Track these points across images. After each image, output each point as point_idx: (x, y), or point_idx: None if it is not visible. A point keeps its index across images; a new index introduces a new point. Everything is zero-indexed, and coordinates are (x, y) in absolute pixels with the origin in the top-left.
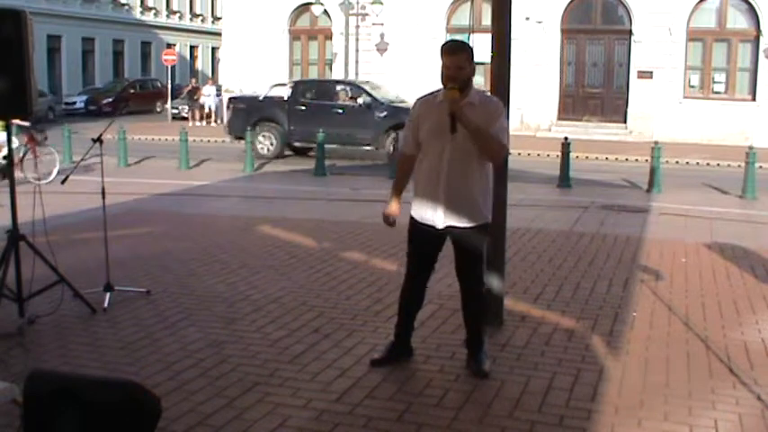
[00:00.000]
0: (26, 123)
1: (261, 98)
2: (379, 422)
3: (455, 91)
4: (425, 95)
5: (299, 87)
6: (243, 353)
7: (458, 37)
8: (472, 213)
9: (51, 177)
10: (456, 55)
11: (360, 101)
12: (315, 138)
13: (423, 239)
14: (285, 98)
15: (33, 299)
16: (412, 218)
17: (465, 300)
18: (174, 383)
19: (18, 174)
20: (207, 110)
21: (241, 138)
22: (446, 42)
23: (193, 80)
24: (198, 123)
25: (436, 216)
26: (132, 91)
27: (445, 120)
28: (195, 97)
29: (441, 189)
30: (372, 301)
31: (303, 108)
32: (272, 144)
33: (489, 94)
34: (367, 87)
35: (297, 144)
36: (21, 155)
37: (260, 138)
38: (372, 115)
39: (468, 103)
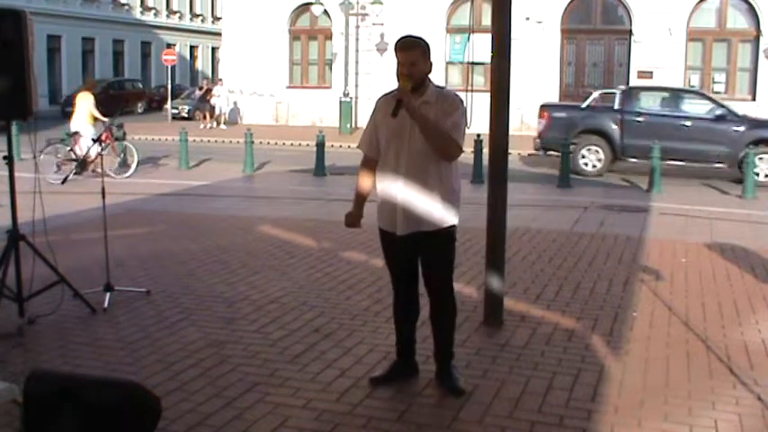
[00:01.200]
0: (105, 119)
1: (583, 106)
2: (379, 422)
3: (407, 83)
4: (386, 94)
5: (632, 94)
6: (243, 353)
7: (458, 37)
8: (433, 217)
9: (130, 172)
10: (409, 51)
11: (717, 112)
12: (652, 153)
13: (393, 247)
14: (615, 107)
15: (33, 299)
16: (379, 227)
17: (432, 310)
18: (174, 383)
19: (98, 168)
20: (218, 111)
21: (555, 151)
22: (400, 39)
23: (205, 81)
24: (205, 126)
25: (396, 221)
26: (111, 92)
27: (403, 120)
28: (207, 98)
29: (399, 192)
30: (372, 301)
31: (639, 119)
32: (599, 159)
33: (447, 90)
34: (716, 97)
35: (631, 160)
36: (100, 150)
37: (583, 152)
38: (727, 129)
39: (423, 101)
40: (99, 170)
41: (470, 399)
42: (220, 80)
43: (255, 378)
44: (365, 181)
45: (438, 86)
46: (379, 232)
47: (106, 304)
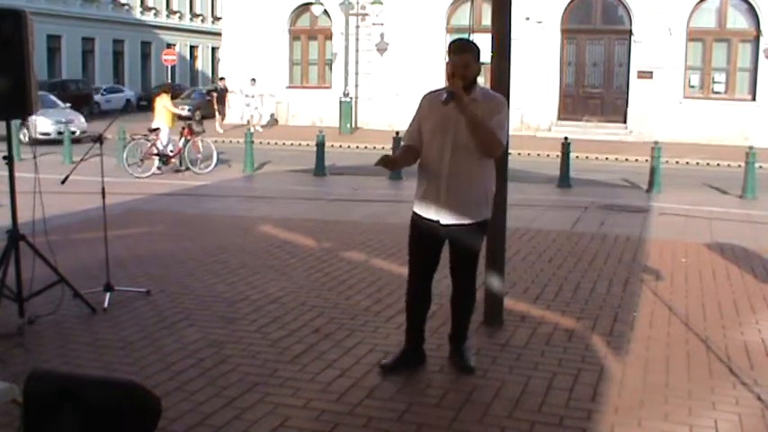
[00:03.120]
0: (185, 113)
1: None
2: (379, 422)
3: (459, 83)
4: (432, 92)
5: None
6: (243, 353)
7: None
8: (472, 211)
9: (211, 167)
10: (464, 54)
11: None
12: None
13: (424, 235)
14: None
15: (33, 299)
16: (414, 213)
17: (456, 297)
18: (174, 383)
19: (177, 163)
20: (253, 112)
21: None
22: (454, 41)
23: (222, 81)
24: (219, 128)
25: (438, 213)
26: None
27: (448, 116)
28: (224, 99)
29: (442, 187)
30: (372, 301)
31: None
32: None
33: (492, 91)
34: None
35: None
36: (180, 145)
37: None
38: None
39: (472, 99)
40: (180, 166)
41: (470, 399)
42: (253, 80)
43: (255, 378)
44: (406, 160)
45: (483, 87)
46: (414, 218)
47: (106, 304)
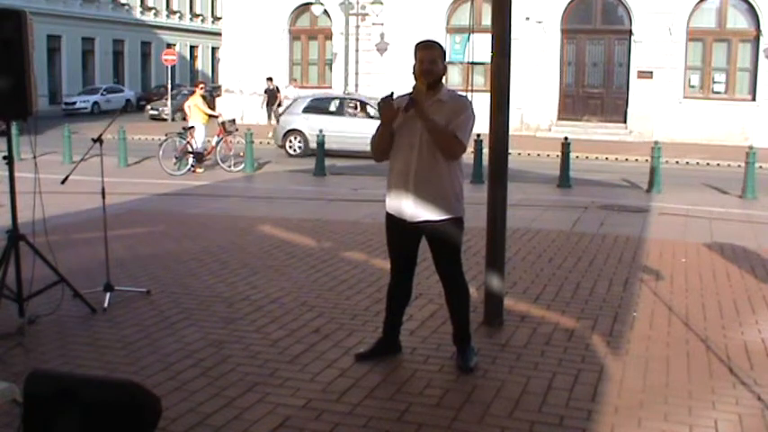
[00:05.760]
0: (217, 113)
1: None
2: (379, 422)
3: (423, 85)
4: (400, 96)
5: None
6: (243, 353)
7: (458, 37)
8: (443, 207)
9: (242, 166)
10: (431, 50)
11: None
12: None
13: (398, 233)
14: None
15: (33, 299)
16: (387, 213)
17: (448, 294)
18: (174, 383)
19: (210, 161)
20: None
21: None
22: (421, 41)
23: (270, 82)
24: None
25: (408, 210)
26: None
27: (414, 119)
28: (276, 102)
29: (411, 185)
30: (372, 301)
31: None
32: None
33: (459, 93)
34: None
35: None
36: (214, 144)
37: None
38: None
39: (438, 99)
40: (219, 163)
41: (470, 399)
42: (294, 80)
43: (255, 378)
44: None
45: (450, 89)
46: (387, 216)
47: (106, 304)
